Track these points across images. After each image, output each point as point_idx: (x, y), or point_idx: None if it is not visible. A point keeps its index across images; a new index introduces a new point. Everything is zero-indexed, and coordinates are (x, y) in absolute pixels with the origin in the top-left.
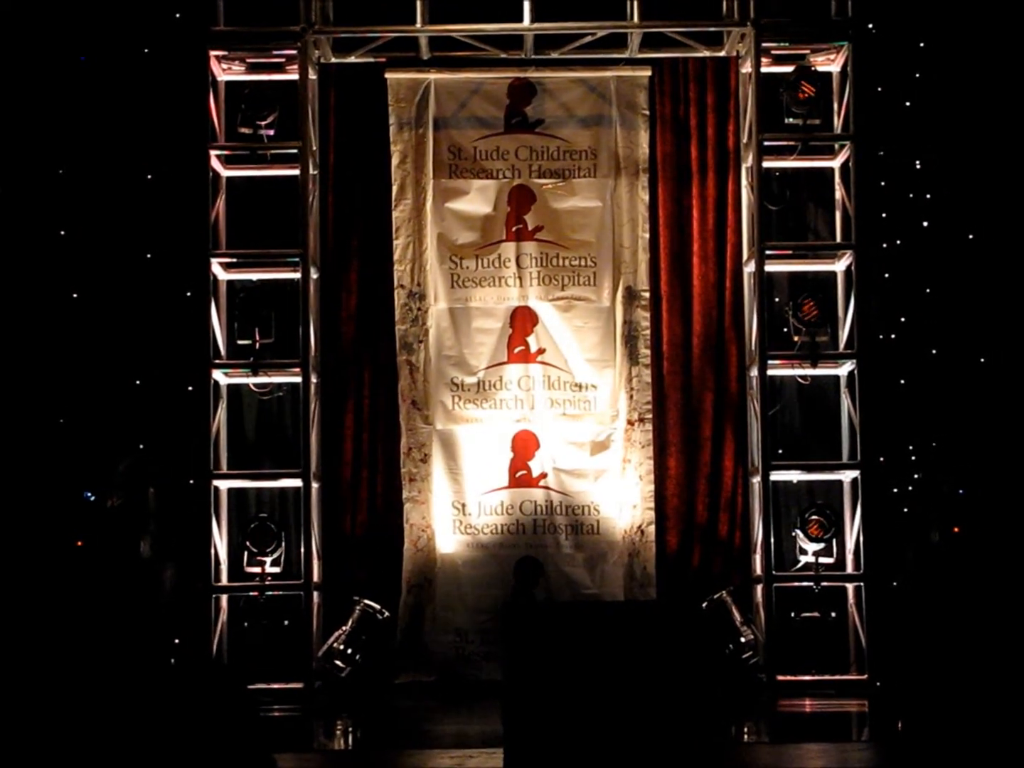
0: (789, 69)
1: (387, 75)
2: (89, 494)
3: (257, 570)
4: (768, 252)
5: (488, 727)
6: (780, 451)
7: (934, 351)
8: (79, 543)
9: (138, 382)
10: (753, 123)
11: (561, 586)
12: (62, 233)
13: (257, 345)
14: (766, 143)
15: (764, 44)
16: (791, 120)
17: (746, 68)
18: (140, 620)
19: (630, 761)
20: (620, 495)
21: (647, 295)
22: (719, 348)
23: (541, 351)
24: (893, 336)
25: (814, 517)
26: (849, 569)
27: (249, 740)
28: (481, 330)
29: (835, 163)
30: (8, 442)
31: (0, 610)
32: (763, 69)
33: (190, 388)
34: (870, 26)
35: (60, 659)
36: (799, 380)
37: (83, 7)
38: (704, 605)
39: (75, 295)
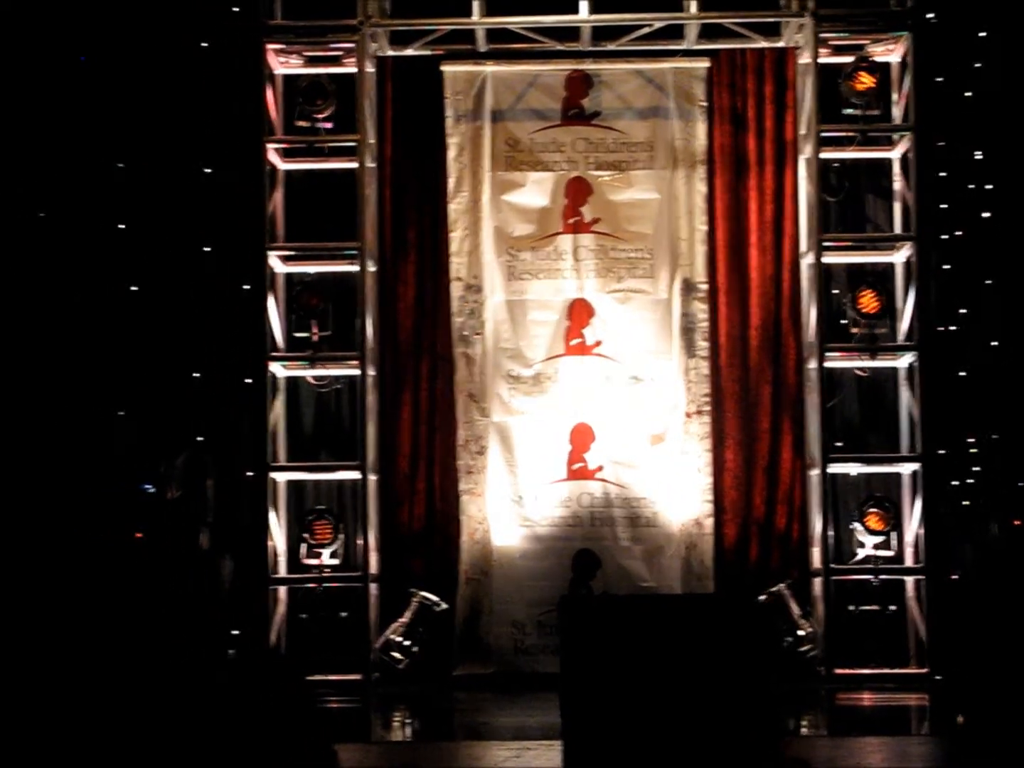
0: (848, 60)
1: (444, 68)
2: (148, 486)
3: (315, 562)
4: (826, 244)
5: (546, 719)
6: (838, 444)
7: (994, 343)
8: (138, 535)
9: (196, 375)
10: (811, 114)
11: (618, 579)
12: (121, 227)
13: (315, 338)
14: (824, 134)
15: (823, 35)
16: (849, 111)
17: (804, 59)
18: (199, 611)
19: (689, 753)
20: (677, 488)
21: (704, 287)
22: (777, 340)
23: (598, 343)
24: (953, 328)
25: (873, 510)
26: (908, 562)
27: (309, 731)
28: (538, 322)
29: (894, 154)
30: (69, 435)
31: (62, 600)
32: (821, 60)
33: (248, 381)
34: (930, 16)
35: (121, 650)
36: (857, 372)
37: (142, 1)
38: (762, 598)
39: (134, 288)
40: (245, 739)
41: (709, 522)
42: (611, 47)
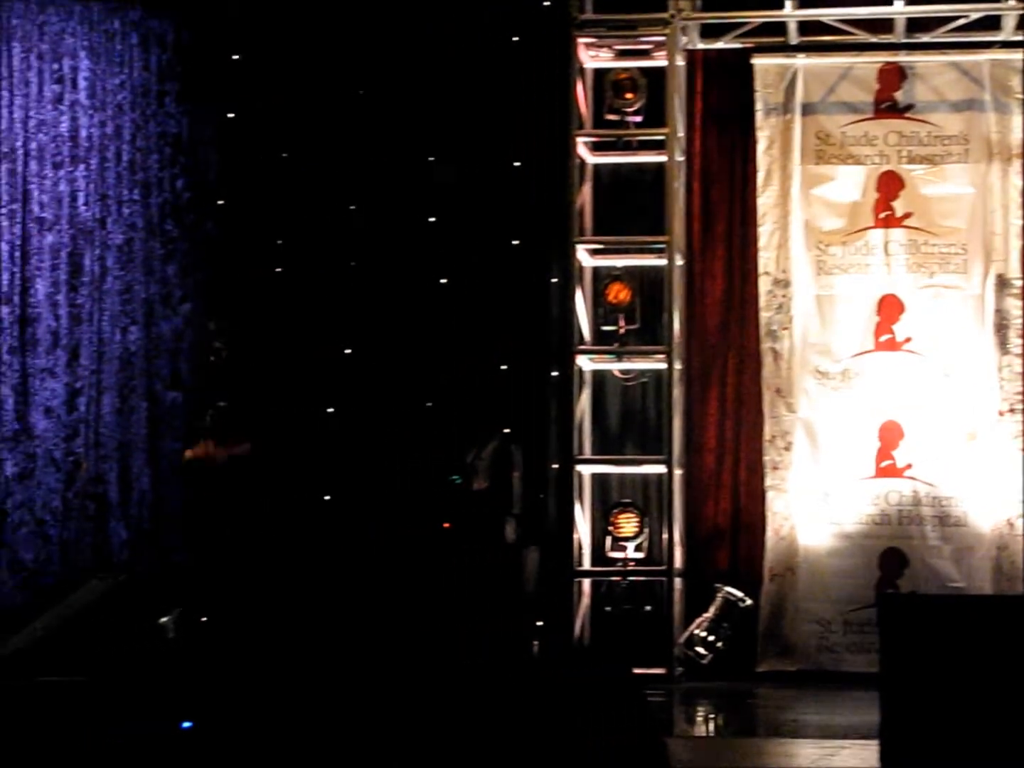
0: None
1: (754, 60)
2: (456, 477)
3: (620, 555)
4: None
5: (854, 718)
6: None
7: None
8: (446, 525)
9: (504, 367)
10: None
11: (927, 578)
12: (431, 220)
13: (621, 331)
14: None
15: None
16: None
17: None
18: (506, 602)
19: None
20: (988, 487)
21: (1019, 283)
22: None
23: (908, 339)
24: None
25: None
26: None
27: (637, 723)
28: (846, 318)
29: None
30: (382, 426)
31: (376, 588)
32: None
33: (555, 374)
34: None
35: (430, 637)
36: None
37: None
38: None
39: (444, 281)
40: (569, 729)
41: (1020, 523)
42: (925, 39)
